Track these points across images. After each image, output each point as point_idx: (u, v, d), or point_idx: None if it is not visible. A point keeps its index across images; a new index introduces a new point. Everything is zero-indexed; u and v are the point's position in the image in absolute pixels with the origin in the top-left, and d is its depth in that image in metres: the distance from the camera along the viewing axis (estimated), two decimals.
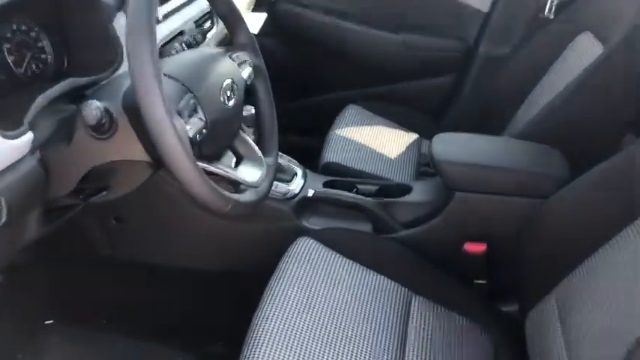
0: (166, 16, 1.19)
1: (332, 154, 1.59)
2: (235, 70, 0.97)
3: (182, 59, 0.89)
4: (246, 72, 1.01)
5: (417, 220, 1.31)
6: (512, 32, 1.83)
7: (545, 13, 1.74)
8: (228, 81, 0.92)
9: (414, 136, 1.79)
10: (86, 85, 1.00)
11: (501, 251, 1.23)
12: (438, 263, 1.25)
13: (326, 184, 1.41)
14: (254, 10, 1.89)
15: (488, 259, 1.24)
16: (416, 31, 1.94)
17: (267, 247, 1.32)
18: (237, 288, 1.36)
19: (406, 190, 1.39)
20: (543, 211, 1.12)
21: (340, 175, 1.50)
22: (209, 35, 1.29)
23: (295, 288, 1.07)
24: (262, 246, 1.34)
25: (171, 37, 1.17)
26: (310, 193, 1.33)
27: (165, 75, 0.84)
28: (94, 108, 0.77)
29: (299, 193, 1.36)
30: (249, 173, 0.96)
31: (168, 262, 1.40)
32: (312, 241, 1.20)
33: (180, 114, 0.79)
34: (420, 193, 1.36)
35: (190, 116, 0.82)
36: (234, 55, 0.99)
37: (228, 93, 0.91)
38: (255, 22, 1.99)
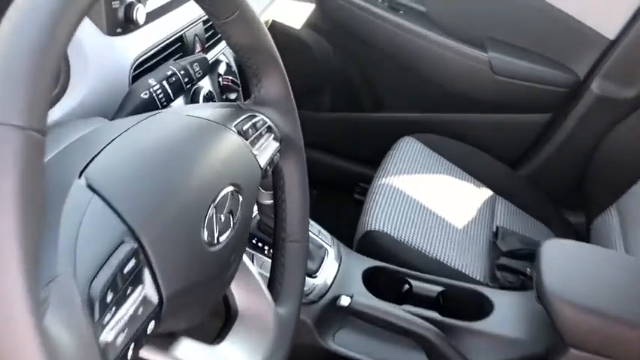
0: (153, 16, 0.73)
1: (377, 218, 1.14)
2: (244, 159, 0.51)
3: (131, 140, 0.44)
4: (267, 153, 0.56)
5: None
6: None
7: None
8: (227, 191, 0.47)
9: (486, 192, 1.34)
10: None
11: None
12: None
13: (367, 276, 0.98)
14: None
15: None
16: (509, 51, 1.45)
17: None
18: None
19: (484, 305, 0.94)
20: None
21: (386, 251, 1.09)
22: (213, 53, 0.81)
23: None
24: None
25: (153, 50, 0.72)
26: (345, 301, 0.89)
27: (88, 187, 0.40)
28: None
29: (327, 291, 0.92)
30: (241, 352, 0.51)
31: None
32: None
33: (92, 303, 0.35)
34: (506, 319, 0.91)
35: (123, 299, 0.37)
36: (247, 125, 0.54)
37: (222, 218, 0.46)
38: (298, 13, 1.51)
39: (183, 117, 0.51)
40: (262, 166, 0.54)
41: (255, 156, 0.54)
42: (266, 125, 0.57)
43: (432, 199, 1.24)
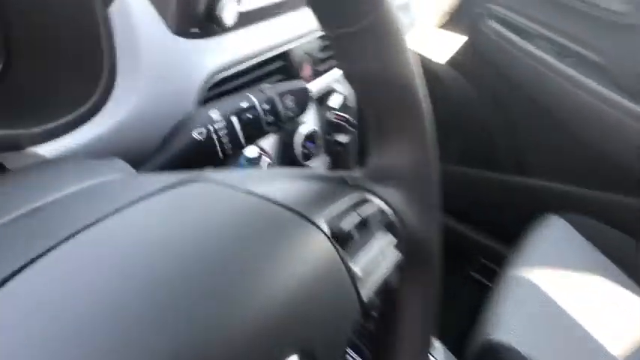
0: (248, 18, 0.51)
1: (504, 325, 0.86)
2: (332, 294, 0.27)
3: (127, 236, 0.21)
4: (378, 274, 0.30)
5: None
6: None
7: None
8: None
9: None
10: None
11: None
12: None
13: None
14: (445, 26, 1.16)
15: None
16: None
17: None
18: None
19: None
20: None
21: None
22: (325, 81, 0.56)
23: None
24: None
25: (242, 66, 0.50)
26: None
27: None
28: None
29: None
30: None
31: None
32: None
33: None
34: None
35: None
36: (352, 221, 0.29)
37: None
38: (444, 45, 1.26)
39: (240, 195, 0.27)
40: (366, 299, 0.30)
41: (355, 282, 0.29)
42: (385, 221, 0.32)
43: (581, 307, 0.94)
